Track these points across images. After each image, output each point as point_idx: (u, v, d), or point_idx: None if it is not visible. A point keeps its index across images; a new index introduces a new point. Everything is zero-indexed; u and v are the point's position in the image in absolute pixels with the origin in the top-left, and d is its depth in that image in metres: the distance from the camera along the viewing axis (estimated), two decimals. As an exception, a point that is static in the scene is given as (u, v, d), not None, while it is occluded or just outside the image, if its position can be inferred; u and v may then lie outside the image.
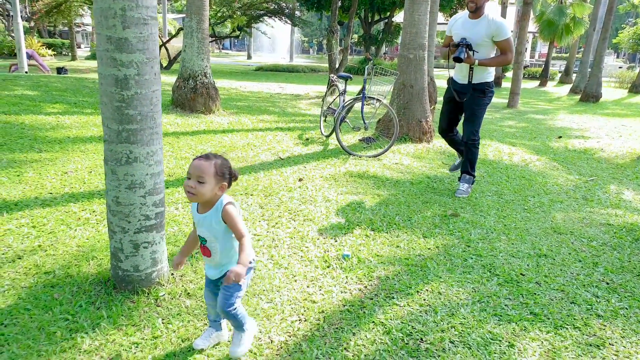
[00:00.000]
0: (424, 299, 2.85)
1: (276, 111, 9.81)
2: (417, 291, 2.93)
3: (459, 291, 2.96)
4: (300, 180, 4.99)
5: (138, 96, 2.52)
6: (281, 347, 2.35)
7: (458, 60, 4.41)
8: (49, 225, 3.47)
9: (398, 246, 3.56)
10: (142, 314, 2.53)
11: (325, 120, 7.59)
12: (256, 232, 3.63)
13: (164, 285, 2.78)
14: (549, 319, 2.71)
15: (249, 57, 40.69)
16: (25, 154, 5.11)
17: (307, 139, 7.12)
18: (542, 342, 2.50)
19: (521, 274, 3.23)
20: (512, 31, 7.64)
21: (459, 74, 4.73)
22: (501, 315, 2.72)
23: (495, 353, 2.38)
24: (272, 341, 2.39)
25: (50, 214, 3.66)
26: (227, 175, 2.03)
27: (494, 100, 14.53)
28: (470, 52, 4.46)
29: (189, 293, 2.75)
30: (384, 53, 34.08)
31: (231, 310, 2.10)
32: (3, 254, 3.03)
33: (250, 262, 2.03)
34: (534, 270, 3.29)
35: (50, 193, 4.10)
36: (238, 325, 2.18)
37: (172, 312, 2.56)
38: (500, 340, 2.49)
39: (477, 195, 4.89)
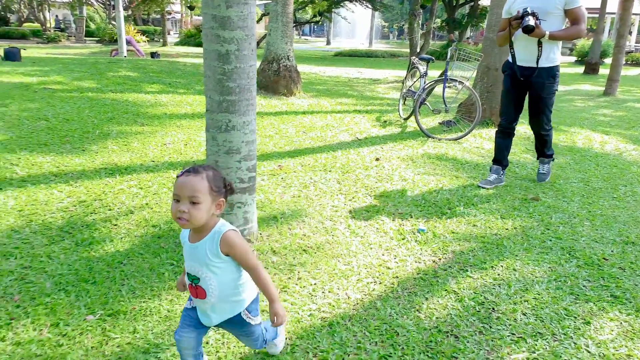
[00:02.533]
0: (498, 274, 2.93)
1: (354, 94, 9.99)
2: (492, 266, 3.02)
3: (534, 269, 3.00)
4: (377, 159, 5.16)
5: (237, 70, 2.83)
6: (357, 304, 2.57)
7: (528, 30, 3.86)
8: (153, 187, 3.95)
9: (475, 225, 3.63)
10: (235, 265, 2.86)
11: (404, 103, 7.66)
12: (334, 204, 3.87)
13: (253, 243, 3.11)
14: (630, 302, 2.69)
15: (328, 42, 41.03)
16: (130, 126, 5.74)
17: (385, 121, 7.25)
18: (621, 323, 2.50)
19: (604, 258, 3.19)
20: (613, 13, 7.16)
21: (524, 54, 4.16)
22: (578, 295, 2.74)
23: (568, 328, 2.43)
24: (348, 297, 2.62)
25: (154, 178, 4.15)
26: (223, 188, 1.64)
27: (588, 87, 13.64)
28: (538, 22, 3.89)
29: (274, 251, 3.05)
30: (468, 37, 32.88)
31: (267, 343, 2.00)
32: (118, 208, 3.52)
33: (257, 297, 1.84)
34: (619, 256, 3.23)
35: (153, 161, 4.61)
36: (273, 338, 2.06)
37: (260, 265, 2.87)
38: (575, 317, 2.53)
39: (561, 182, 4.78)
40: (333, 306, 2.53)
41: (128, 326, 2.27)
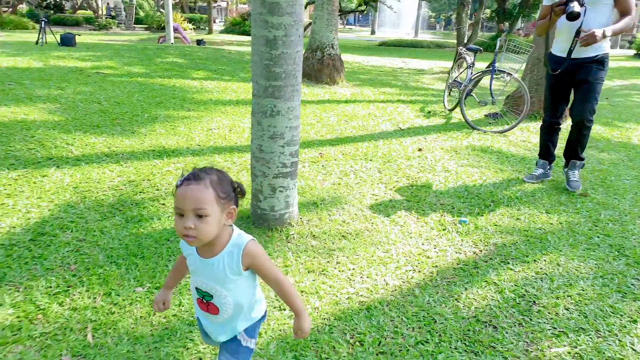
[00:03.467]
0: (541, 268, 2.89)
1: (398, 84, 9.91)
2: (534, 260, 2.97)
3: (579, 265, 2.94)
4: (419, 150, 5.13)
5: (284, 55, 2.89)
6: (395, 290, 2.60)
7: (573, 17, 3.60)
8: (198, 170, 4.09)
9: (518, 218, 3.58)
10: (276, 246, 2.95)
11: (449, 94, 7.54)
12: (374, 193, 3.90)
13: (293, 226, 3.18)
14: (681, 303, 2.60)
15: (373, 32, 40.63)
16: (177, 111, 5.93)
17: (429, 112, 7.17)
18: (671, 324, 2.43)
19: (655, 258, 3.08)
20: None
21: (567, 45, 3.89)
22: (625, 293, 2.67)
23: (613, 325, 2.38)
24: (387, 283, 2.65)
25: (200, 161, 4.30)
26: (232, 192, 1.42)
27: (648, 81, 12.97)
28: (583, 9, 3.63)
29: (314, 235, 3.12)
30: (519, 28, 31.76)
31: None
32: (165, 189, 3.68)
33: (264, 317, 1.65)
34: (671, 257, 3.11)
35: (198, 145, 4.77)
36: None
37: (300, 248, 2.95)
38: (621, 315, 2.47)
39: (613, 179, 4.61)
40: (371, 291, 2.57)
41: (174, 299, 2.40)
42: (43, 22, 12.41)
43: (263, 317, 1.64)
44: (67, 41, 11.83)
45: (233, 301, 1.49)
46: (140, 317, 2.27)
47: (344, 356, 2.09)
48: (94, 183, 3.70)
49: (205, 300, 1.51)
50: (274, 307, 2.39)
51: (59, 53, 9.82)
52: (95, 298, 2.38)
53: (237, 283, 1.47)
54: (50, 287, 2.45)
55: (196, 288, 1.51)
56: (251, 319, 1.58)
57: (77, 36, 12.45)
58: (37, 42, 12.21)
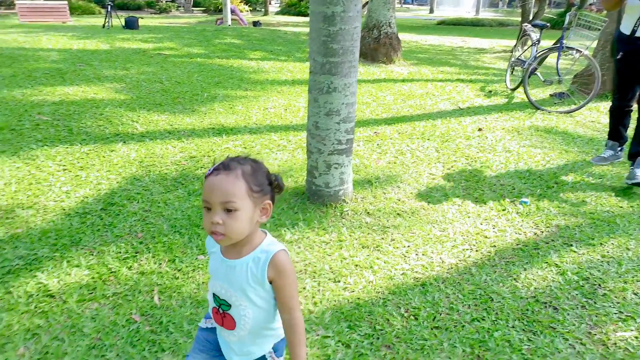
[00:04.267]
0: (607, 252, 2.77)
1: (457, 64, 9.62)
2: (600, 243, 2.85)
3: (651, 250, 2.79)
4: (479, 130, 5.00)
5: (342, 32, 2.89)
6: (451, 268, 2.59)
7: None
8: (256, 147, 4.20)
9: (584, 201, 3.43)
10: (330, 222, 3.01)
11: (512, 73, 7.25)
12: (431, 172, 3.85)
13: (347, 203, 3.22)
14: None
15: (431, 11, 39.44)
16: (235, 91, 6.09)
17: (490, 91, 6.93)
18: None
19: None
20: None
21: (633, 23, 3.65)
22: (702, 281, 2.52)
23: (687, 313, 2.26)
24: (442, 261, 2.64)
25: (256, 139, 4.41)
26: (268, 186, 1.26)
27: None
28: None
29: (368, 212, 3.14)
30: (591, 3, 29.74)
31: None
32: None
33: None
34: None
35: (256, 124, 4.89)
36: None
37: (354, 224, 2.99)
38: (696, 304, 2.34)
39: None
40: (426, 268, 2.58)
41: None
42: (109, 7, 13.04)
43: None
44: (130, 24, 12.35)
45: (253, 314, 1.29)
46: (202, 282, 2.40)
47: (398, 329, 2.12)
48: (157, 158, 3.90)
49: (222, 311, 1.32)
50: (328, 279, 2.46)
51: (124, 35, 10.27)
52: (160, 264, 2.54)
53: (261, 295, 1.27)
54: (120, 252, 2.63)
55: (214, 294, 1.33)
56: (276, 336, 1.38)
57: (139, 19, 12.97)
58: (103, 26, 12.86)
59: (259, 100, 5.73)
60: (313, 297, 2.32)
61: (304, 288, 2.38)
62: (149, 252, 2.64)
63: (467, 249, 2.77)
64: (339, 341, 2.04)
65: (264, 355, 1.38)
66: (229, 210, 1.18)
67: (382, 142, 4.49)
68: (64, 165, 3.65)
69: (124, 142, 4.18)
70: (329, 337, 2.07)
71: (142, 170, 3.66)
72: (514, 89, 6.89)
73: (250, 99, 5.79)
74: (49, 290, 2.31)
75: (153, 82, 6.25)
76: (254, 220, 1.23)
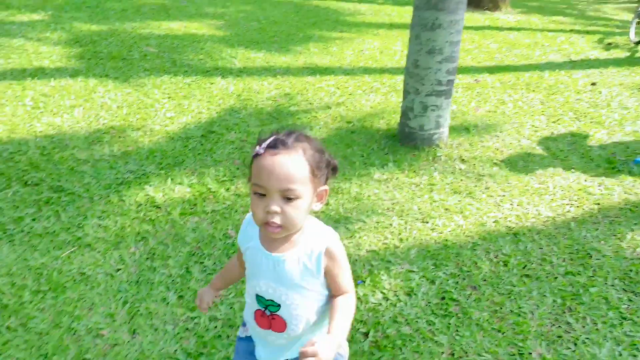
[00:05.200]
0: None
1: (573, 13, 8.76)
2: None
3: None
4: (593, 84, 4.59)
5: (453, -37, 2.74)
6: (547, 221, 2.49)
7: None
8: (349, 88, 4.21)
9: None
10: (422, 165, 2.99)
11: (637, 24, 6.49)
12: (534, 124, 3.64)
13: (441, 148, 3.17)
14: None
15: (547, -45, 35.80)
16: (330, 32, 6.06)
17: (609, 44, 6.28)
18: None
19: None
20: None
21: None
22: None
23: None
24: (539, 213, 2.55)
25: (349, 80, 4.40)
26: (325, 169, 1.07)
27: None
28: None
29: (463, 159, 3.07)
30: None
31: None
32: (317, 103, 3.88)
33: (342, 354, 1.23)
34: None
35: (349, 65, 4.86)
36: None
37: (447, 169, 2.94)
38: None
39: None
40: (520, 218, 2.50)
41: (323, 199, 2.60)
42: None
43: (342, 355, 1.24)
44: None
45: (306, 313, 1.13)
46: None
47: (486, 272, 2.10)
48: (254, 93, 4.04)
49: (270, 313, 1.14)
50: (416, 219, 2.47)
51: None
52: (255, 189, 2.69)
53: (313, 289, 1.13)
54: (218, 175, 2.82)
55: (257, 296, 1.14)
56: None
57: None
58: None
59: (353, 42, 5.66)
60: (399, 234, 2.36)
61: (391, 225, 2.42)
62: (245, 177, 2.80)
63: (566, 204, 2.64)
64: (423, 276, 2.08)
65: None
66: (289, 199, 1.00)
67: (482, 90, 4.29)
68: (169, 94, 3.91)
69: (223, 76, 4.36)
70: (414, 272, 2.11)
71: (239, 104, 3.82)
72: (638, 42, 6.18)
73: (345, 40, 5.74)
74: (156, 202, 2.55)
75: (251, 21, 6.37)
76: (310, 208, 1.06)
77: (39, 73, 4.12)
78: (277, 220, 1.01)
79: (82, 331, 1.82)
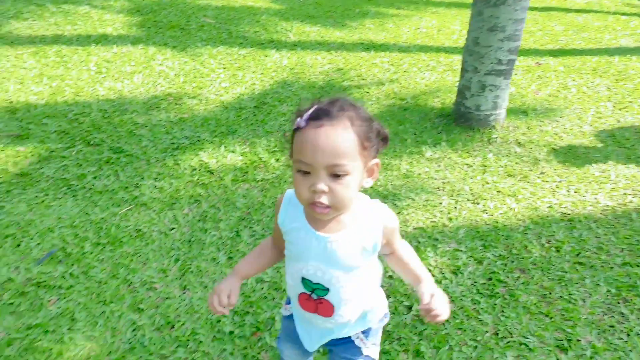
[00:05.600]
0: None
1: (651, -3, 8.21)
2: None
3: None
4: (668, 72, 4.32)
5: None
6: (606, 210, 2.40)
7: None
8: (404, 65, 4.15)
9: None
10: (475, 146, 2.93)
11: None
12: (598, 110, 3.48)
13: (497, 130, 3.09)
14: None
15: None
16: (387, 9, 5.96)
17: (690, 31, 5.87)
18: None
19: None
20: None
21: None
22: None
23: None
24: (597, 202, 2.46)
25: (405, 57, 4.34)
26: (374, 140, 0.97)
27: None
28: None
29: (519, 142, 2.98)
30: None
31: None
32: (370, 79, 3.85)
33: (386, 315, 1.25)
34: None
35: (405, 42, 4.78)
36: None
37: (502, 152, 2.88)
38: None
39: None
40: (577, 205, 2.42)
41: (372, 174, 2.61)
42: None
43: (385, 316, 1.24)
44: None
45: (355, 297, 1.08)
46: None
47: (536, 257, 2.07)
48: (307, 67, 4.06)
49: (317, 297, 1.08)
50: (467, 200, 2.44)
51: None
52: (304, 160, 2.73)
53: (365, 269, 1.07)
54: (269, 146, 2.87)
55: (303, 279, 1.08)
56: (371, 314, 1.18)
57: None
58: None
59: (411, 20, 5.55)
60: (449, 213, 2.34)
61: (440, 204, 2.41)
62: (286, 152, 2.84)
63: (629, 194, 2.53)
64: (471, 256, 2.07)
65: (350, 337, 1.18)
66: (337, 175, 0.91)
67: (544, 73, 4.13)
68: (224, 64, 3.99)
69: (277, 49, 4.40)
70: (461, 251, 2.10)
71: (292, 77, 3.86)
72: None
73: (402, 17, 5.63)
74: (209, 168, 2.64)
75: (307, -5, 6.36)
76: (361, 184, 0.98)
77: (103, 40, 4.30)
78: (324, 200, 0.92)
79: (137, 283, 1.93)
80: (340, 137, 0.89)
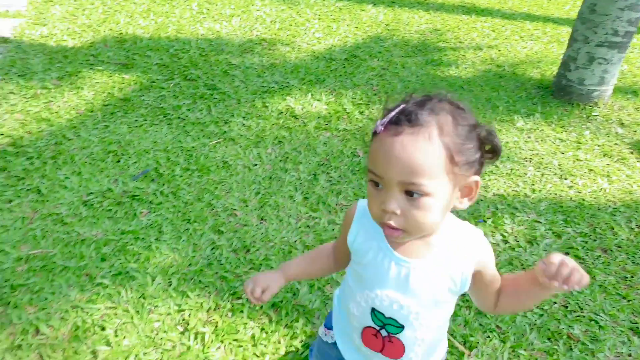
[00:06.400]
0: None
1: None
2: None
3: None
4: None
5: None
6: None
7: None
8: (505, 32, 3.98)
9: None
10: (572, 122, 2.80)
11: None
12: None
13: (599, 107, 2.92)
14: None
15: None
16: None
17: None
18: None
19: None
20: None
21: None
22: None
23: None
24: None
25: (507, 24, 4.15)
26: (475, 152, 0.79)
27: None
28: None
29: (622, 123, 2.81)
30: None
31: None
32: (468, 43, 3.75)
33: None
34: None
35: (510, 9, 4.56)
36: None
37: (600, 131, 2.73)
38: None
39: None
40: (678, 195, 2.27)
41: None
42: None
43: (446, 353, 1.10)
44: None
45: (431, 336, 0.92)
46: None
47: (622, 239, 1.98)
48: (402, 24, 4.01)
49: (387, 334, 0.92)
50: (554, 174, 2.37)
51: None
52: (389, 116, 2.76)
53: (450, 303, 0.92)
54: (355, 98, 2.92)
55: (373, 310, 0.91)
56: (439, 354, 1.03)
57: None
58: None
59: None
60: (532, 184, 2.29)
61: (525, 174, 2.35)
62: (380, 103, 2.86)
63: None
64: (550, 229, 2.02)
65: None
66: (416, 194, 0.75)
67: (665, 54, 3.79)
68: (319, 15, 4.04)
69: (374, 4, 4.37)
70: (540, 222, 2.06)
71: (386, 33, 3.83)
72: None
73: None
74: (295, 113, 2.74)
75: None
76: (450, 206, 0.81)
77: (206, -18, 4.48)
78: (397, 222, 0.78)
79: (220, 208, 2.09)
80: (419, 150, 0.73)
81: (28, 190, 2.10)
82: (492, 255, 0.89)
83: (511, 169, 2.38)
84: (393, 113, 0.77)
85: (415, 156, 0.73)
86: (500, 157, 0.82)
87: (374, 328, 0.92)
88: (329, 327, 1.11)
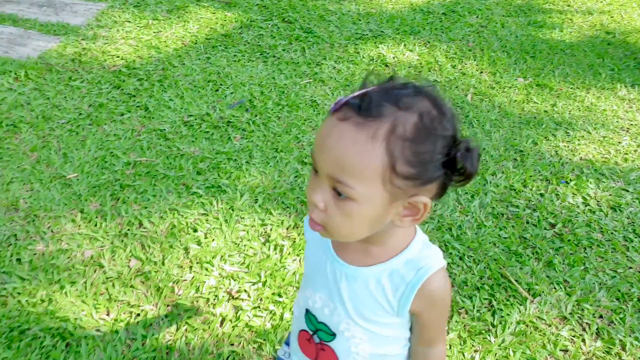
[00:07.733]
0: None
1: None
2: None
3: None
4: None
5: None
6: None
7: None
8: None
9: None
10: None
11: None
12: None
13: None
14: None
15: None
16: None
17: None
18: None
19: None
20: None
21: None
22: None
23: None
24: None
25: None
26: (439, 166, 0.65)
27: None
28: None
29: None
30: None
31: None
32: (578, 7, 3.58)
33: None
34: None
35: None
36: None
37: None
38: None
39: None
40: None
41: (549, 99, 2.56)
42: None
43: None
44: None
45: (369, 354, 0.84)
46: (514, 100, 2.54)
47: None
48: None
49: (319, 340, 0.86)
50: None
51: None
52: (481, 72, 2.75)
53: (388, 324, 0.81)
54: (449, 52, 2.93)
55: (307, 311, 0.87)
56: None
57: None
58: None
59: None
60: (626, 153, 2.24)
61: (619, 143, 2.30)
62: (474, 59, 2.86)
63: None
64: (637, 198, 1.99)
65: None
66: (340, 193, 0.66)
67: None
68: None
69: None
70: (628, 191, 2.03)
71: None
72: None
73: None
74: (386, 61, 2.82)
75: None
76: (384, 222, 0.70)
77: None
78: (317, 217, 0.69)
79: (305, 142, 2.25)
80: (355, 145, 0.62)
81: (137, 107, 2.38)
82: (442, 301, 0.78)
83: (604, 137, 2.33)
84: (353, 95, 0.65)
85: (348, 151, 0.62)
86: (471, 181, 0.68)
87: (307, 332, 0.87)
88: (287, 343, 1.04)
